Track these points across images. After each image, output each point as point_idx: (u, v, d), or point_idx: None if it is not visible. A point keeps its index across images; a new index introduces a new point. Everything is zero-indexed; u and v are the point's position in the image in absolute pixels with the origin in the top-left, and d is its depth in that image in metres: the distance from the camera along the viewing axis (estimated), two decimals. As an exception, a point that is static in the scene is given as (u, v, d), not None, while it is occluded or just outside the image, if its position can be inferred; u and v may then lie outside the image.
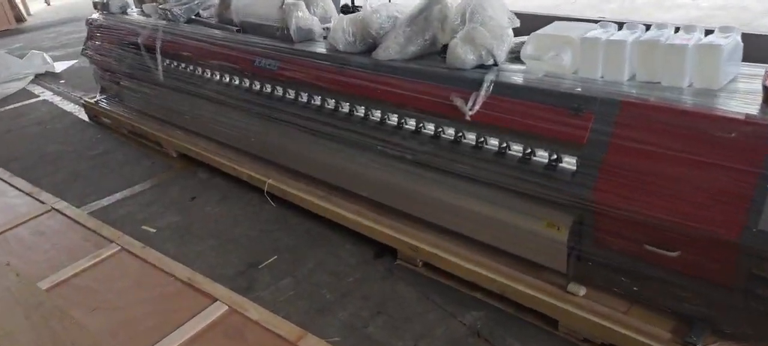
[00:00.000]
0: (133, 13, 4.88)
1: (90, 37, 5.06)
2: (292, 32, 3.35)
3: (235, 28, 3.77)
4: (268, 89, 3.42)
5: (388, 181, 2.81)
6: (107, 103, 5.04)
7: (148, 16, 4.55)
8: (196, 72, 3.98)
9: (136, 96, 4.60)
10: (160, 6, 4.34)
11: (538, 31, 2.45)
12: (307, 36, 3.39)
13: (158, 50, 4.16)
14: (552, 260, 2.29)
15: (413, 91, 2.65)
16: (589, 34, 2.28)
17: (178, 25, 4.17)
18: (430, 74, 2.62)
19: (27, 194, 3.67)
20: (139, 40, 4.33)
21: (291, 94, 3.29)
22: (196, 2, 4.23)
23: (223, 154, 3.81)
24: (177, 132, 4.22)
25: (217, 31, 3.88)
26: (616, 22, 2.33)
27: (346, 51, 3.00)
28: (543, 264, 2.35)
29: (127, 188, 3.87)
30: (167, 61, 4.20)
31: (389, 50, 2.80)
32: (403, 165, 2.73)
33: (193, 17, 4.24)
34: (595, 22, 2.39)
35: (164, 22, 4.26)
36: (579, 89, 2.19)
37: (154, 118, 4.47)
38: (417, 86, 2.64)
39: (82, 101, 5.33)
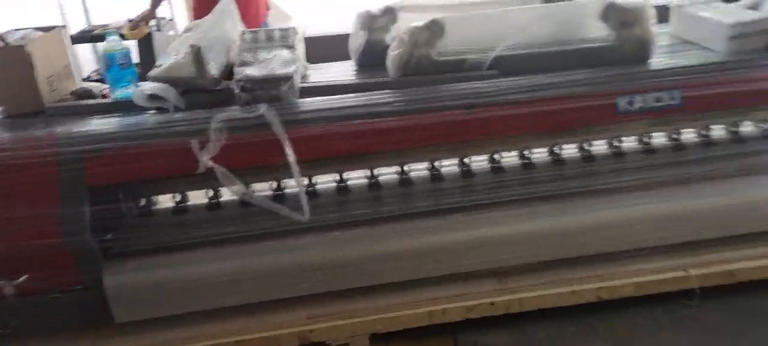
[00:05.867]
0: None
1: None
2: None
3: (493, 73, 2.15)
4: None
5: None
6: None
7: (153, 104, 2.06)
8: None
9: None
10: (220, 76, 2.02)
11: None
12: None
13: (293, 161, 1.98)
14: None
15: None
16: None
17: (293, 109, 2.07)
18: None
19: None
20: (204, 161, 1.95)
21: None
22: (296, 66, 2.15)
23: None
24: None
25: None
26: None
27: None
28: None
29: None
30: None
31: None
32: None
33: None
34: None
35: (255, 107, 2.02)
36: None
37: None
38: None
39: None
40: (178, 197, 2.18)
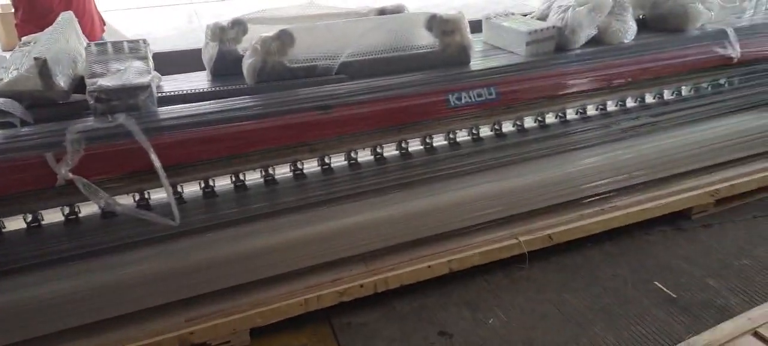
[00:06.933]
0: None
1: None
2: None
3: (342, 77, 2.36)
4: None
5: None
6: None
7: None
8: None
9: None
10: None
11: None
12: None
13: (159, 166, 1.99)
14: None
15: None
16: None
17: (152, 117, 2.09)
18: None
19: None
20: (62, 173, 1.89)
21: None
22: (151, 76, 2.16)
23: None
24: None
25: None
26: None
27: None
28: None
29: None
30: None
31: None
32: None
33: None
34: None
35: (113, 117, 2.00)
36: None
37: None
38: None
39: None
40: (31, 216, 2.05)
